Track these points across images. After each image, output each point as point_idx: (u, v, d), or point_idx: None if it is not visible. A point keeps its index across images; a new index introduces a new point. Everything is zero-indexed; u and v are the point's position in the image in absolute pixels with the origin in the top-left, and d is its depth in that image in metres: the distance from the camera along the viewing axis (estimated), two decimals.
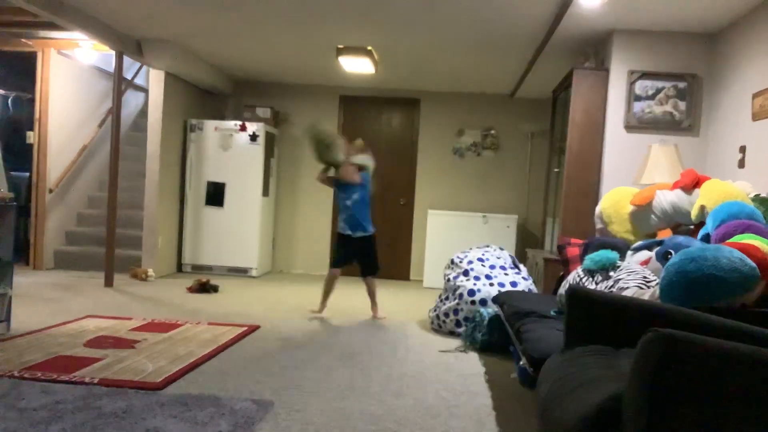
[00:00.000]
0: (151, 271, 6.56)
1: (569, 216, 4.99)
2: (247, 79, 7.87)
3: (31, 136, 6.80)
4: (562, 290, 3.40)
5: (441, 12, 4.76)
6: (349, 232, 5.17)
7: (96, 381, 3.04)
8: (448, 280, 4.87)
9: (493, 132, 7.81)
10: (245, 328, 4.43)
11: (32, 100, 6.94)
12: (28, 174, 6.91)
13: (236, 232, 7.21)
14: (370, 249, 5.25)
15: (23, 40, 6.59)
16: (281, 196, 8.00)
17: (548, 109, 6.67)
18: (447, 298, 4.80)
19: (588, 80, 4.97)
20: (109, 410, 2.65)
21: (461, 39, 5.48)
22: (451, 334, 4.69)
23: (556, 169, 5.82)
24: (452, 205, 7.74)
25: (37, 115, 6.73)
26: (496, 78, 6.92)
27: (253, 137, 7.25)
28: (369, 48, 5.90)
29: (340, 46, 5.91)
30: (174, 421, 2.57)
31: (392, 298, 6.48)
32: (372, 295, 5.30)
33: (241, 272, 7.24)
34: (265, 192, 7.46)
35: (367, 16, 4.99)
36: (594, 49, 5.25)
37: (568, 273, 4.02)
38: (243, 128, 7.28)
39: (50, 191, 6.86)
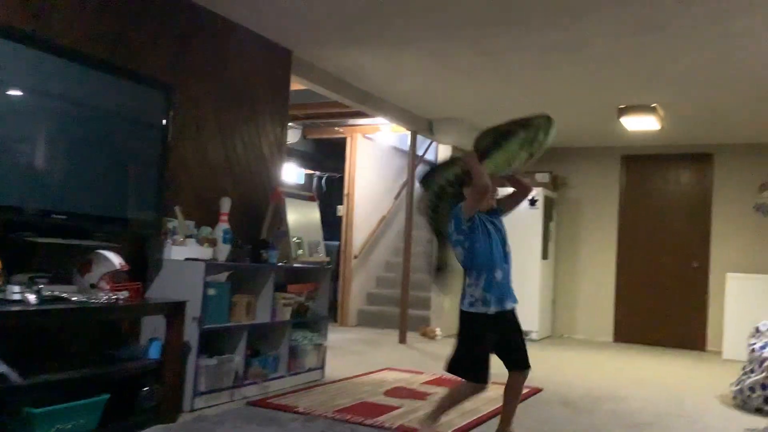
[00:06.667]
0: (438, 330, 7.02)
1: None
2: None
3: (341, 210, 7.88)
4: None
5: (732, 63, 4.50)
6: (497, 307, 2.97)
7: (395, 427, 3.39)
8: (753, 350, 4.38)
9: None
10: (527, 390, 4.49)
11: (341, 179, 8.07)
12: (338, 243, 7.98)
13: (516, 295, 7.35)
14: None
15: (336, 128, 7.77)
16: (560, 259, 7.98)
17: None
18: (752, 371, 4.31)
19: None
20: None
21: (755, 88, 5.06)
22: (759, 411, 4.17)
23: None
24: (756, 268, 6.89)
25: (346, 191, 7.80)
26: None
27: (533, 202, 7.42)
28: (654, 105, 5.74)
29: (622, 106, 5.85)
30: None
31: (687, 369, 5.99)
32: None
33: None
34: (545, 255, 7.53)
35: (655, 75, 4.92)
36: None
37: None
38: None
39: (355, 257, 7.81)
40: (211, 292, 3.63)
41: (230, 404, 3.66)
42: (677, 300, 7.44)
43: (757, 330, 4.55)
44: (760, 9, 3.65)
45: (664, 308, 7.50)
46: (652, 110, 5.77)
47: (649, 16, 3.87)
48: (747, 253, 7.07)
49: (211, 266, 3.66)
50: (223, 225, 3.91)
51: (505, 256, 3.04)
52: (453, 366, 2.99)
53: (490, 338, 2.96)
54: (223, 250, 3.87)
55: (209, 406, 3.55)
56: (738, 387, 4.40)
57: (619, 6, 3.74)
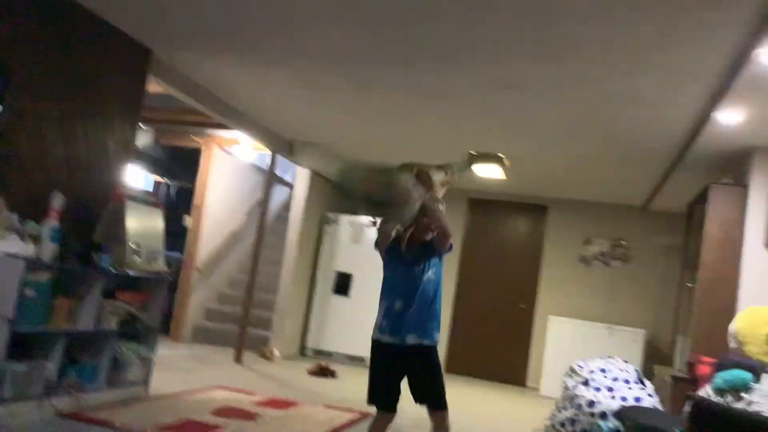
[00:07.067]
0: (277, 352, 6.92)
1: (701, 334, 4.76)
2: None
3: (188, 221, 7.58)
4: (688, 408, 3.25)
5: (578, 126, 4.93)
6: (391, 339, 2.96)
7: None
8: (567, 388, 4.75)
9: (623, 243, 7.65)
10: (358, 414, 4.54)
11: (192, 189, 7.78)
12: (180, 254, 7.65)
13: (359, 322, 7.40)
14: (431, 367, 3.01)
15: (192, 136, 7.50)
16: None
17: (682, 223, 6.49)
18: (564, 408, 4.66)
19: (725, 196, 4.86)
20: None
21: (594, 150, 5.58)
22: None
23: (689, 284, 5.59)
24: (575, 314, 7.51)
25: (195, 202, 7.53)
26: (628, 189, 6.88)
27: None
28: (500, 155, 6.11)
29: (473, 152, 6.18)
30: None
31: (508, 403, 6.34)
32: None
33: (359, 361, 7.38)
34: None
35: (505, 126, 5.25)
36: (732, 165, 5.13)
37: (696, 391, 3.82)
38: (374, 223, 7.65)
39: (197, 270, 7.52)
40: (29, 292, 3.32)
41: (38, 415, 3.35)
42: (505, 337, 7.90)
43: (572, 369, 4.94)
44: (606, 76, 3.98)
45: (492, 344, 7.93)
46: (499, 160, 6.15)
47: (504, 75, 4.13)
48: (569, 299, 7.69)
49: (32, 264, 3.36)
50: (52, 222, 3.61)
51: (418, 289, 2.95)
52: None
53: (382, 365, 2.97)
54: (49, 249, 3.56)
55: (14, 416, 3.22)
56: (551, 422, 4.73)
57: (481, 62, 3.96)
